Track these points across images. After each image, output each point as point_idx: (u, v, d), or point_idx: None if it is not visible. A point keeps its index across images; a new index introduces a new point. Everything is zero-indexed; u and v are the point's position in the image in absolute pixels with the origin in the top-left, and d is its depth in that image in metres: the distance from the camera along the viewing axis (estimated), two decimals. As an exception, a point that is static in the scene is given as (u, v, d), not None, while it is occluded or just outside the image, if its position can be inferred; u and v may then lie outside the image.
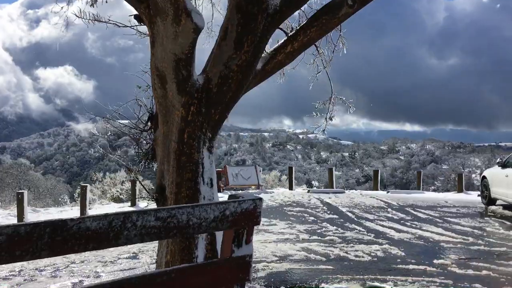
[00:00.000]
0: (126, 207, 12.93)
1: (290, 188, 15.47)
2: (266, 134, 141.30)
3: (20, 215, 11.49)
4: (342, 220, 9.68)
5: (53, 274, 6.30)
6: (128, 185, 16.30)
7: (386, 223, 9.37)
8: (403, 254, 7.04)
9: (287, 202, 12.00)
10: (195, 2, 5.33)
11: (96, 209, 13.40)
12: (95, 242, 1.72)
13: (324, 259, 6.80)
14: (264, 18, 3.83)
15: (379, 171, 17.05)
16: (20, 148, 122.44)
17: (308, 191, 14.30)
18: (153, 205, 4.36)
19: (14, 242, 1.50)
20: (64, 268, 6.60)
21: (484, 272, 6.06)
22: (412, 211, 10.65)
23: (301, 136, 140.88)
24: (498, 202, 11.16)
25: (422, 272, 6.20)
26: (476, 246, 7.46)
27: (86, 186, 12.08)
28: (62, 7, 4.38)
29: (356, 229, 8.74)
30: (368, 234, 8.34)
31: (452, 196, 14.00)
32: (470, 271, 6.13)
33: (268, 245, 7.52)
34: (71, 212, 13.95)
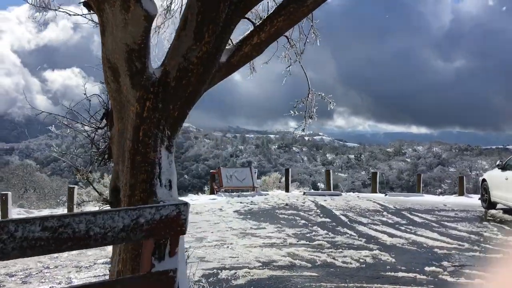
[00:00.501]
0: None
1: (287, 190, 15.13)
2: (272, 136, 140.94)
3: (4, 216, 11.40)
4: (334, 223, 9.34)
5: (23, 280, 6.03)
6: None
7: (379, 227, 9.02)
8: (393, 260, 6.70)
9: (280, 205, 11.67)
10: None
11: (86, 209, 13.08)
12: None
13: (309, 265, 6.47)
14: (227, 7, 3.53)
15: (378, 173, 16.67)
16: (28, 149, 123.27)
17: (304, 194, 13.96)
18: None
19: None
20: (37, 273, 6.33)
21: (477, 280, 5.72)
22: (408, 215, 10.28)
23: (306, 138, 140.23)
24: (498, 205, 10.76)
25: (411, 280, 5.86)
26: (471, 253, 7.10)
27: (74, 187, 11.85)
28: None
29: (348, 234, 8.40)
30: (359, 238, 8.00)
31: (452, 200, 13.59)
32: (462, 280, 5.79)
33: (253, 250, 7.21)
34: (57, 212, 13.66)
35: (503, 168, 10.35)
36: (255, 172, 14.93)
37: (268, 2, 4.07)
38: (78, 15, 3.60)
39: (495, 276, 5.92)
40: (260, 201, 12.25)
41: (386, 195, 14.24)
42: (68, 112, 3.63)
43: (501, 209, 10.68)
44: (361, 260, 6.69)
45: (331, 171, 16.09)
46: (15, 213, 13.23)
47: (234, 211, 10.72)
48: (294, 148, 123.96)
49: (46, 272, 6.36)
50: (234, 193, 14.19)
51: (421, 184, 15.91)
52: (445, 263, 6.49)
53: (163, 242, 1.93)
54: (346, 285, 5.66)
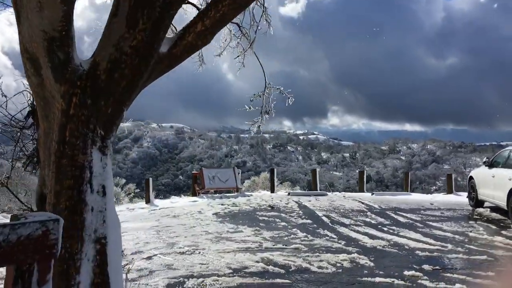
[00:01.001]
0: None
1: (272, 191, 14.76)
2: (266, 135, 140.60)
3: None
4: (315, 225, 8.98)
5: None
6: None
7: (361, 228, 8.67)
8: (372, 264, 6.35)
9: (262, 206, 11.30)
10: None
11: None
12: None
13: (283, 271, 6.10)
14: (165, -12, 3.15)
15: (365, 172, 16.32)
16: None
17: (289, 194, 13.59)
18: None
19: None
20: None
21: (458, 285, 5.37)
22: (393, 215, 9.94)
23: (301, 137, 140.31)
24: (486, 204, 10.44)
25: (388, 286, 5.51)
26: (454, 254, 6.76)
27: None
28: None
29: (328, 236, 8.04)
30: (339, 241, 7.64)
31: (440, 198, 13.27)
32: (442, 285, 5.44)
33: (225, 255, 6.83)
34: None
35: (490, 165, 10.03)
36: (239, 173, 14.54)
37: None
38: None
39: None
40: (242, 203, 11.86)
41: (372, 194, 13.90)
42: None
43: (489, 207, 10.36)
44: (338, 265, 6.33)
45: (317, 171, 15.71)
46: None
47: (213, 214, 10.33)
48: (289, 147, 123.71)
49: None
50: (217, 194, 13.81)
51: (409, 183, 15.57)
52: (425, 267, 6.14)
53: (27, 268, 1.53)
54: (317, 293, 5.31)
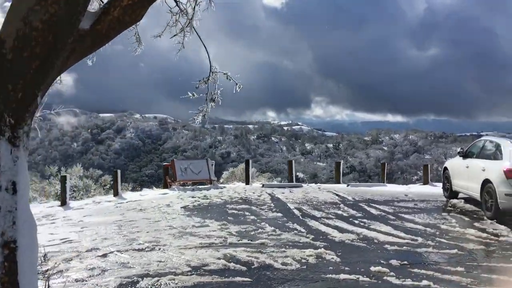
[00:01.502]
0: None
1: (247, 182, 14.42)
2: (250, 126, 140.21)
3: None
4: (285, 219, 8.68)
5: None
6: (73, 181, 15.04)
7: (332, 221, 8.40)
8: (338, 260, 6.07)
9: (233, 199, 10.95)
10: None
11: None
12: None
13: (244, 268, 5.79)
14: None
15: (341, 163, 16.08)
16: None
17: (263, 186, 13.27)
18: None
19: None
20: None
21: (424, 282, 5.13)
22: (366, 207, 9.70)
23: (285, 128, 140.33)
24: (460, 195, 10.27)
25: (353, 284, 5.25)
26: (424, 248, 6.53)
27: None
28: None
29: (296, 230, 7.74)
30: (307, 235, 7.35)
31: (415, 189, 13.11)
32: (408, 281, 5.19)
33: (186, 252, 6.48)
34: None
35: (465, 155, 9.84)
36: (212, 164, 14.14)
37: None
38: None
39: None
40: (214, 195, 11.50)
41: (348, 185, 13.67)
42: None
43: (463, 198, 10.20)
44: (303, 261, 6.04)
45: (293, 162, 15.40)
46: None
47: (182, 207, 9.96)
48: (273, 138, 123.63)
49: None
50: (189, 186, 13.42)
51: (385, 174, 15.39)
52: (393, 262, 5.89)
53: None
54: (277, 292, 5.00)
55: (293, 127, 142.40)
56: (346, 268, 5.72)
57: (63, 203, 11.03)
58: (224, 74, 4.40)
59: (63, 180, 11.18)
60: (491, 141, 9.20)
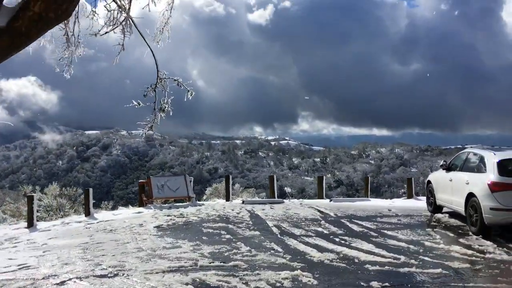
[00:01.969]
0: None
1: (227, 199, 13.94)
2: (238, 141, 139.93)
3: None
4: (262, 237, 8.23)
5: None
6: (46, 200, 14.42)
7: (312, 239, 7.97)
8: (315, 282, 5.65)
9: (211, 217, 10.46)
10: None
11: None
12: None
13: (213, 295, 5.31)
14: None
15: (324, 177, 15.71)
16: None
17: (243, 202, 12.81)
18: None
19: None
20: None
21: (406, 306, 4.71)
22: (348, 223, 9.30)
23: (272, 143, 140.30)
24: (444, 209, 9.95)
25: (329, 310, 4.81)
26: (406, 268, 6.13)
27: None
28: None
29: (273, 249, 7.30)
30: (285, 255, 6.91)
31: (399, 203, 12.76)
32: (389, 306, 4.77)
33: (152, 277, 5.98)
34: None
35: (448, 168, 9.53)
36: (191, 181, 13.63)
37: None
38: None
39: None
40: (191, 213, 10.99)
41: (331, 201, 13.28)
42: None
43: (447, 212, 9.87)
44: (277, 285, 5.60)
45: (275, 177, 14.96)
46: None
47: (155, 227, 9.43)
48: (260, 153, 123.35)
49: None
50: (166, 204, 12.88)
51: (368, 188, 15.04)
52: (374, 284, 5.48)
53: None
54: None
55: (280, 142, 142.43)
56: (323, 292, 5.30)
57: (30, 225, 10.42)
58: (175, 80, 4.00)
59: (30, 200, 10.60)
60: (474, 153, 8.91)
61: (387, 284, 5.53)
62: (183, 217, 10.59)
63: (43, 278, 6.05)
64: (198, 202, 13.54)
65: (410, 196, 13.88)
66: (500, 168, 7.76)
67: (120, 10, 3.55)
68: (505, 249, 7.03)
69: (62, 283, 5.84)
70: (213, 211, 11.36)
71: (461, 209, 8.53)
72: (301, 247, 7.44)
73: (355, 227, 8.89)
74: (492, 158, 8.02)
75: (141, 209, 12.20)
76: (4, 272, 6.49)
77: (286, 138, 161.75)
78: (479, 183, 7.93)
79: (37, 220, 11.99)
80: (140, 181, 14.60)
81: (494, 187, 7.56)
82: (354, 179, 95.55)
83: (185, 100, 4.03)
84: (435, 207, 10.06)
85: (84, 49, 5.77)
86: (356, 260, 6.58)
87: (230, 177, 14.45)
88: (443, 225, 9.06)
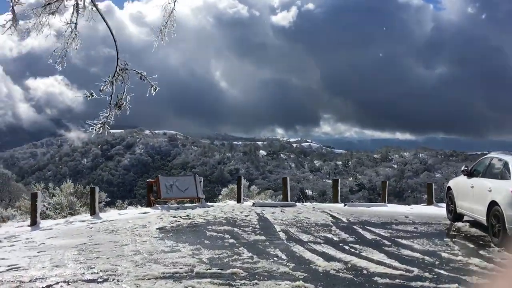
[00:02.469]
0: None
1: (238, 200, 13.53)
2: (259, 143, 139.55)
3: None
4: (267, 243, 7.78)
5: None
6: (56, 198, 14.26)
7: (320, 246, 7.48)
8: (317, 296, 5.16)
9: (217, 219, 10.06)
10: None
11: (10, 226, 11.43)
12: None
13: (204, 305, 4.90)
14: None
15: (339, 180, 15.12)
16: (13, 158, 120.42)
17: (253, 204, 12.36)
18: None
19: None
20: None
21: (415, 328, 4.20)
22: (360, 230, 8.76)
23: (294, 145, 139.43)
24: (465, 217, 9.28)
25: (328, 328, 4.33)
26: (419, 282, 5.58)
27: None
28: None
29: (277, 256, 6.84)
30: (288, 263, 6.45)
31: (417, 210, 12.09)
32: (395, 327, 4.26)
33: (143, 284, 5.61)
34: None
35: (469, 174, 8.88)
36: (201, 181, 13.29)
37: None
38: None
39: None
40: (198, 215, 10.62)
41: (345, 205, 12.70)
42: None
43: (468, 221, 9.21)
44: (275, 297, 5.14)
45: (288, 179, 14.44)
46: None
47: (158, 228, 9.09)
48: (281, 155, 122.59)
49: None
50: (174, 205, 12.55)
51: (386, 192, 14.35)
52: (381, 300, 4.97)
53: None
54: None
55: (302, 144, 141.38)
56: (324, 307, 4.82)
57: (33, 223, 10.23)
58: (138, 73, 3.58)
59: (33, 198, 10.42)
60: (499, 159, 8.24)
61: (396, 300, 5.01)
62: (189, 218, 10.23)
63: (30, 281, 5.75)
64: (207, 203, 13.16)
65: (430, 202, 13.18)
66: (527, 175, 7.10)
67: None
68: (530, 263, 6.39)
69: (48, 287, 5.53)
70: (221, 213, 10.97)
71: (482, 218, 7.89)
72: (307, 254, 6.96)
73: (367, 235, 8.34)
74: (517, 164, 7.36)
75: (148, 209, 11.90)
76: (-8, 273, 6.23)
77: (308, 140, 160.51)
78: (502, 190, 7.29)
79: (43, 218, 11.85)
80: (148, 180, 14.34)
81: (519, 196, 6.91)
82: (376, 183, 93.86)
83: (147, 95, 3.63)
84: (455, 215, 9.41)
85: (80, 41, 5.47)
86: (365, 272, 6.06)
87: (242, 178, 14.05)
88: (463, 235, 8.42)
